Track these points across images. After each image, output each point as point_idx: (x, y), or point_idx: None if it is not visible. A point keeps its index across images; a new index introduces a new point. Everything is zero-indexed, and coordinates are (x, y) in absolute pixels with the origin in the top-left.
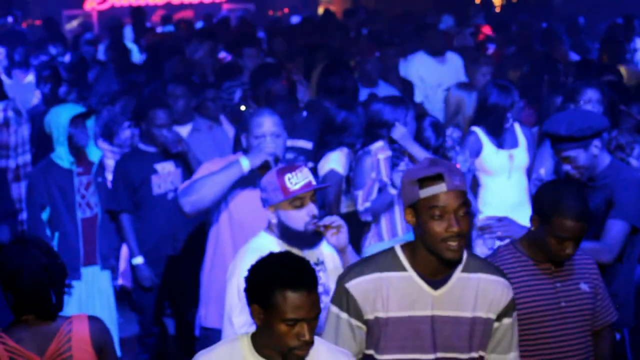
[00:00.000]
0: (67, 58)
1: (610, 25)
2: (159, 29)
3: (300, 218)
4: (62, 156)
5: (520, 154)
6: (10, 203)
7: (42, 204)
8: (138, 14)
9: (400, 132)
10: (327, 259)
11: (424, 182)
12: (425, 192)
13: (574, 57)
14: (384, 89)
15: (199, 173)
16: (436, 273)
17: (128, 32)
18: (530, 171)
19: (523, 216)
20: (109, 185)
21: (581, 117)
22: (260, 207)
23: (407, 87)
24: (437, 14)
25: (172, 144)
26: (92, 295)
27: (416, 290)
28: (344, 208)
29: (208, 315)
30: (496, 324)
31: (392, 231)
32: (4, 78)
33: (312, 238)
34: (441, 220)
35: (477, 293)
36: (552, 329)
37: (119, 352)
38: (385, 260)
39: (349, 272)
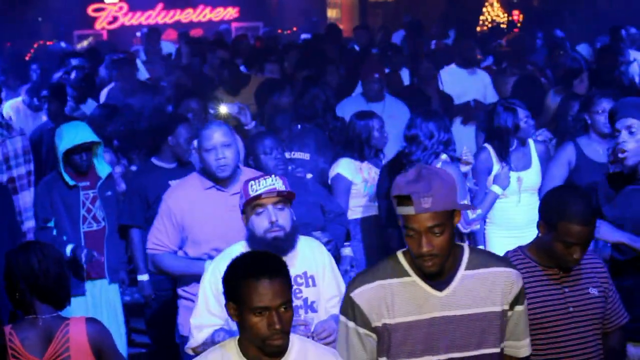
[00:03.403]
0: (72, 75)
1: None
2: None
3: (260, 223)
4: (64, 174)
5: (531, 176)
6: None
7: (46, 218)
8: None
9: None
10: (320, 276)
11: (399, 199)
12: (400, 210)
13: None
14: (391, 104)
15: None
16: (434, 277)
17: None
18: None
19: (531, 235)
20: (119, 198)
21: None
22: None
23: (444, 99)
24: (444, 28)
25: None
26: (99, 308)
27: (422, 294)
28: (363, 213)
29: (186, 324)
30: (509, 313)
31: None
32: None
33: (276, 244)
34: (414, 239)
35: (484, 288)
36: (561, 334)
37: None
38: (387, 267)
39: (354, 281)
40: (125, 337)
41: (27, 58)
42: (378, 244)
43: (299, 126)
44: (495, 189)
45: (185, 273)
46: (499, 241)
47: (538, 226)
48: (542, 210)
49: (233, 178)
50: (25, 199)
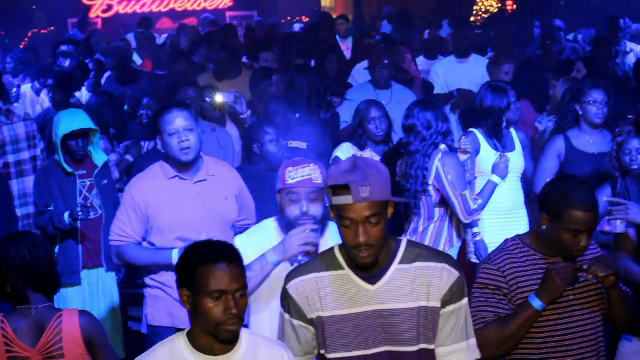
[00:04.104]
0: (67, 63)
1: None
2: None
3: (292, 210)
4: (63, 161)
5: (516, 158)
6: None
7: (45, 204)
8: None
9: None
10: None
11: (335, 189)
12: (335, 200)
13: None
14: (399, 91)
15: (130, 194)
16: (367, 269)
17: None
18: (525, 175)
19: (518, 219)
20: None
21: None
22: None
23: (428, 88)
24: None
25: None
26: (96, 296)
27: (353, 287)
28: None
29: (155, 314)
30: (443, 311)
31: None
32: None
33: None
34: (349, 229)
35: (416, 282)
36: (560, 322)
37: (122, 354)
38: (323, 260)
39: (291, 274)
40: (122, 325)
41: (21, 46)
42: None
43: (297, 115)
44: (495, 178)
45: (151, 263)
46: (486, 225)
47: (540, 218)
48: (543, 201)
49: (196, 166)
50: (30, 184)
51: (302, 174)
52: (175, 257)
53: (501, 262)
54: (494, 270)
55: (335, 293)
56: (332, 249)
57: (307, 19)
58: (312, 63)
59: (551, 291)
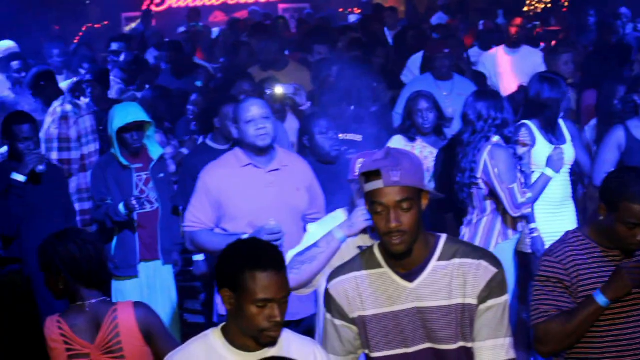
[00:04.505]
0: (122, 58)
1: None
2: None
3: (361, 201)
4: (118, 154)
5: (567, 150)
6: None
7: (102, 198)
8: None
9: None
10: None
11: (367, 176)
12: (368, 187)
13: None
14: (460, 82)
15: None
16: (406, 265)
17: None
18: (575, 167)
19: (566, 211)
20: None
21: None
22: None
23: (480, 79)
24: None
25: None
26: (154, 289)
27: (392, 286)
28: None
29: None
30: (481, 307)
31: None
32: None
33: None
34: (381, 215)
35: (454, 279)
36: (619, 317)
37: None
38: (362, 259)
39: (332, 274)
40: (179, 317)
41: (75, 41)
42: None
43: (352, 107)
44: (548, 171)
45: (222, 249)
46: (536, 217)
47: (599, 208)
48: (602, 192)
49: (269, 155)
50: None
51: None
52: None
53: (562, 254)
54: (555, 263)
55: (374, 291)
56: (371, 247)
57: (360, 11)
58: (364, 55)
59: (618, 289)
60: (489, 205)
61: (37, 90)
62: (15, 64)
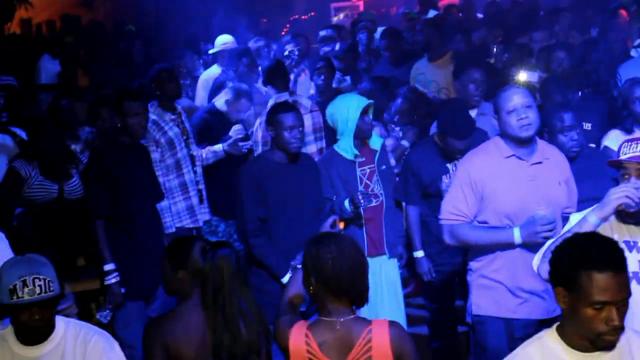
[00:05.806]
0: (337, 47)
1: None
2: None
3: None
4: (346, 148)
5: None
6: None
7: (328, 198)
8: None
9: None
10: None
11: None
12: None
13: None
14: None
15: (466, 171)
16: None
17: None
18: None
19: None
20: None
21: None
22: None
23: None
24: None
25: None
26: (380, 285)
27: None
28: None
29: (480, 303)
30: None
31: None
32: None
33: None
34: None
35: None
36: None
37: None
38: None
39: None
40: (405, 312)
41: (283, 33)
42: None
43: (580, 93)
44: None
45: (488, 243)
46: None
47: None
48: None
49: (532, 147)
50: None
51: (635, 150)
52: (517, 236)
53: None
54: None
55: None
56: None
57: None
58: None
59: None
60: None
61: (272, 80)
62: (246, 59)
